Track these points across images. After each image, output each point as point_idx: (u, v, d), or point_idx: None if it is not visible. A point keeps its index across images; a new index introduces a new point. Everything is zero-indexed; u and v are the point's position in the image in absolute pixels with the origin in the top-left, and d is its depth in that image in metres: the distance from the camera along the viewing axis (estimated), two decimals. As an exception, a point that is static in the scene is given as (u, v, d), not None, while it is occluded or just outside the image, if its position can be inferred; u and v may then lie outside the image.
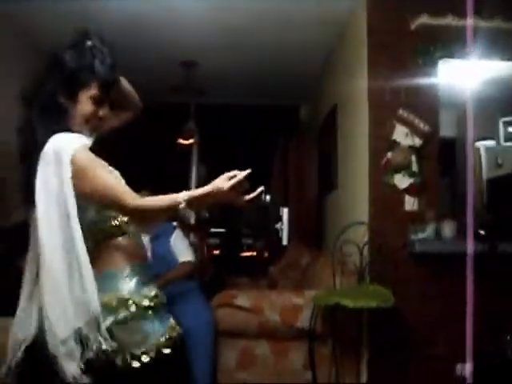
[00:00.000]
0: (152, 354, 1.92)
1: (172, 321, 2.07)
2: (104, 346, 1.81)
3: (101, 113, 2.01)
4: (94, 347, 1.80)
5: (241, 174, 1.86)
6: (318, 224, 6.14)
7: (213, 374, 3.59)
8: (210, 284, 4.84)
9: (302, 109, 7.58)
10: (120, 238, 2.03)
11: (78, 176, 1.83)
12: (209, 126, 7.21)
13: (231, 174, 1.85)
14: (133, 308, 1.93)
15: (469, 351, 2.93)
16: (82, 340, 1.80)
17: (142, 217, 1.91)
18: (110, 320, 1.89)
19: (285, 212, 7.38)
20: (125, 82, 2.22)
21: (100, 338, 1.81)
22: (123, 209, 1.87)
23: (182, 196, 1.82)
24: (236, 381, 3.62)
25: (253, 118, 7.59)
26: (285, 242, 7.33)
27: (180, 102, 6.30)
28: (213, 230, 9.70)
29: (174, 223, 4.60)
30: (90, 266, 1.83)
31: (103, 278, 1.94)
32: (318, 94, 6.43)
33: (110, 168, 2.01)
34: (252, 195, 1.89)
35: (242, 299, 3.68)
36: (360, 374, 3.62)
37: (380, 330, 3.58)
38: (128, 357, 1.91)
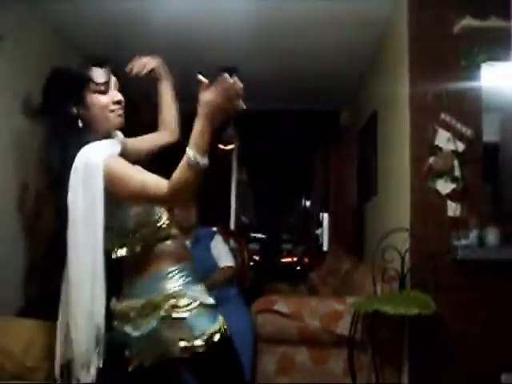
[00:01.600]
0: (203, 348, 1.97)
1: (221, 318, 2.10)
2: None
3: (115, 98, 2.06)
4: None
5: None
6: (358, 230, 6.09)
7: (252, 380, 3.59)
8: (249, 290, 4.84)
9: (342, 114, 7.55)
10: (165, 242, 2.07)
11: (114, 184, 1.88)
12: (248, 132, 7.22)
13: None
14: (181, 303, 1.98)
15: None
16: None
17: (182, 196, 1.89)
18: (156, 318, 1.96)
19: (325, 217, 7.36)
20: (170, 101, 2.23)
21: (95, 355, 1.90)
22: (163, 200, 1.91)
23: (189, 152, 1.78)
24: (275, 387, 3.62)
25: (293, 123, 7.59)
26: (325, 247, 7.31)
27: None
28: (252, 235, 9.71)
29: (215, 228, 4.63)
30: (104, 280, 1.90)
31: (152, 282, 2.02)
32: (358, 99, 6.39)
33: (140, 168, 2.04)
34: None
35: (282, 305, 3.68)
36: (400, 381, 3.57)
37: (421, 338, 3.53)
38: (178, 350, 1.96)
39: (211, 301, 2.08)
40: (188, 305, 1.98)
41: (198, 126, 1.79)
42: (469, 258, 3.52)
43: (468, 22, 3.65)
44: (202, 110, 1.78)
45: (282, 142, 8.43)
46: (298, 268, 9.22)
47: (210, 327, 2.00)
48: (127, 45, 4.84)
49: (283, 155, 9.15)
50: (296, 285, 5.95)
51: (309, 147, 8.30)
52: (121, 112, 2.07)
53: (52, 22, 4.44)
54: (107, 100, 2.03)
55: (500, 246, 3.51)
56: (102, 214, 1.87)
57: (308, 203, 10.07)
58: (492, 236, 3.53)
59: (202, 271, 3.89)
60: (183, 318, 1.96)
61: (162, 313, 1.95)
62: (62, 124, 1.97)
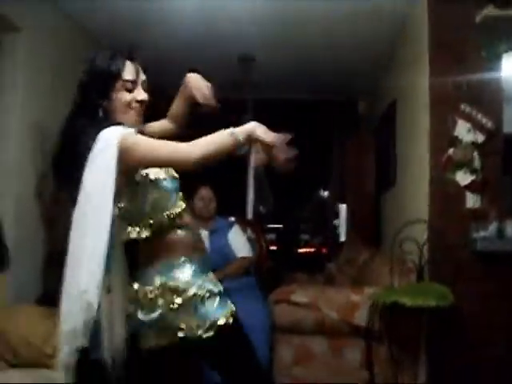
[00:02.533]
0: (210, 335, 1.98)
1: (231, 306, 2.11)
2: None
3: (139, 97, 2.08)
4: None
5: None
6: (375, 221, 6.07)
7: (270, 370, 3.60)
8: (267, 280, 4.85)
9: (360, 104, 7.50)
10: (177, 232, 2.08)
11: (133, 152, 1.90)
12: (266, 121, 7.17)
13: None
14: (190, 292, 1.99)
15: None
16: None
17: (208, 163, 1.93)
18: (165, 305, 1.97)
19: (342, 208, 7.34)
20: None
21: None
22: (190, 164, 1.93)
23: (236, 131, 1.98)
24: (292, 377, 3.62)
25: (310, 113, 7.55)
26: (342, 238, 7.29)
27: (237, 97, 6.31)
28: (270, 225, 9.70)
29: (233, 218, 4.64)
30: (103, 260, 1.87)
31: (161, 269, 2.03)
32: (376, 89, 6.35)
33: None
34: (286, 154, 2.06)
35: (299, 295, 3.68)
36: (418, 374, 3.56)
37: (439, 330, 3.52)
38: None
39: (219, 288, 2.10)
40: (196, 294, 1.99)
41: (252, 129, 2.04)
42: (488, 250, 3.50)
43: (490, 11, 3.60)
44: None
45: (300, 131, 8.39)
46: (316, 258, 9.22)
47: (218, 315, 2.02)
48: (147, 37, 4.88)
49: (301, 145, 9.11)
50: (313, 275, 5.94)
51: (326, 137, 8.26)
52: (141, 111, 2.11)
53: (72, 13, 4.44)
54: (131, 98, 2.06)
55: (519, 238, 3.49)
56: (113, 191, 1.87)
57: (325, 193, 10.05)
58: (511, 228, 3.50)
59: (219, 260, 3.96)
60: (191, 306, 1.98)
61: (170, 300, 1.97)
62: (84, 112, 2.01)
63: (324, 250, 8.87)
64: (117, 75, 2.03)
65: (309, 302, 3.63)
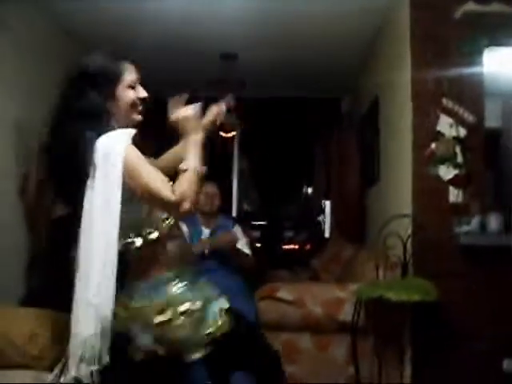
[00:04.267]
0: (207, 348, 1.99)
1: (223, 310, 2.13)
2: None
3: (141, 94, 2.11)
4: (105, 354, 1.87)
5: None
6: (360, 217, 6.08)
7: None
8: (251, 277, 4.84)
9: (343, 101, 7.52)
10: (168, 244, 2.09)
11: (129, 175, 1.88)
12: (250, 120, 7.19)
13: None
14: (183, 308, 2.00)
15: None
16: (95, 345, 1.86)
17: (186, 203, 1.91)
18: (161, 321, 1.97)
19: (327, 205, 7.35)
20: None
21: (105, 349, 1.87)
22: (170, 207, 1.92)
23: (191, 164, 1.99)
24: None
25: (294, 110, 7.55)
26: (327, 234, 7.31)
27: (220, 95, 6.29)
28: (254, 222, 9.68)
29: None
30: (114, 273, 1.87)
31: (154, 285, 2.03)
32: (360, 86, 6.36)
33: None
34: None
35: (285, 292, 3.68)
36: (403, 368, 3.58)
37: (424, 325, 3.53)
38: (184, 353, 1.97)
39: (212, 294, 2.12)
40: (190, 308, 2.00)
41: (193, 149, 2.05)
42: (471, 244, 3.52)
43: (470, 7, 3.63)
44: (195, 137, 2.08)
45: (284, 129, 8.40)
46: (300, 255, 9.21)
47: (216, 322, 2.05)
48: (130, 37, 4.85)
49: (285, 142, 9.12)
50: (298, 272, 5.94)
51: (310, 134, 8.26)
52: (141, 109, 2.12)
53: (52, 12, 4.40)
54: (134, 95, 2.08)
55: (502, 232, 3.51)
56: (119, 203, 1.86)
57: (310, 190, 10.05)
58: (494, 222, 3.53)
59: (219, 258, 4.00)
60: (185, 320, 1.99)
61: (166, 317, 1.97)
62: (88, 114, 1.95)
63: (308, 247, 8.87)
64: (121, 74, 2.04)
65: (294, 299, 3.63)
